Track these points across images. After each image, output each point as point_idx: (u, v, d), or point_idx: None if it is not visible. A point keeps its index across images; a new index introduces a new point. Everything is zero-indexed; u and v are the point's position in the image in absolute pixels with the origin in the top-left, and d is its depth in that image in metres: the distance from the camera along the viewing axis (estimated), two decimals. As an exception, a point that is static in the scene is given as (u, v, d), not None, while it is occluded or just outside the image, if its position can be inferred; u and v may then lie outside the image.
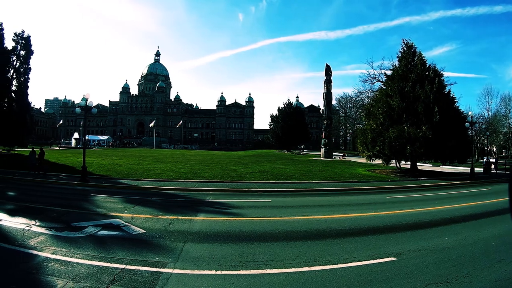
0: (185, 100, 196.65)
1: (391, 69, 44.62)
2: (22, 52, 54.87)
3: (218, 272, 8.50)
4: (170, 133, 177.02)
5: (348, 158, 69.37)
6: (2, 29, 52.24)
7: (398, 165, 40.13)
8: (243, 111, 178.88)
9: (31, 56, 56.16)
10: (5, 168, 34.44)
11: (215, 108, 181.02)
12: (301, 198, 23.43)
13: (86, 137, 42.12)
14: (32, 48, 56.23)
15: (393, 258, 9.47)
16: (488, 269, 8.76)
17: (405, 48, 40.96)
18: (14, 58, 54.10)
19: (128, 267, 8.76)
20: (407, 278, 8.03)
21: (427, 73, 37.94)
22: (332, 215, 16.66)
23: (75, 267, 8.71)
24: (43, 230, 12.43)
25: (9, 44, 53.11)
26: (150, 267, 8.80)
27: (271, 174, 35.46)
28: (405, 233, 12.83)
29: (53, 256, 9.47)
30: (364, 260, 9.33)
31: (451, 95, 38.19)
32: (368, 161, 42.77)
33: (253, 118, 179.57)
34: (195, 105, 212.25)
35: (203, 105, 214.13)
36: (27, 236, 11.52)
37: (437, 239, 11.69)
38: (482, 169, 43.12)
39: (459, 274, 8.28)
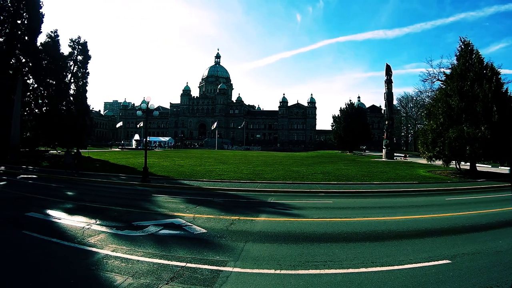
0: (246, 101, 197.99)
1: (449, 68, 43.45)
2: (80, 57, 56.80)
3: (277, 272, 8.65)
4: (232, 135, 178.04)
5: (409, 159, 67.47)
6: (58, 35, 54.25)
7: (457, 166, 38.92)
8: (305, 112, 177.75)
9: (89, 61, 57.98)
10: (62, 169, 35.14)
11: (277, 109, 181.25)
12: (361, 199, 23.27)
13: (147, 139, 43.19)
14: (90, 53, 58.15)
15: (447, 261, 9.47)
16: (540, 273, 8.58)
17: (463, 46, 39.67)
18: (71, 63, 56.16)
19: (188, 265, 8.96)
20: (459, 281, 8.06)
21: (484, 71, 36.67)
22: (392, 217, 16.67)
23: (135, 264, 9.00)
24: (103, 228, 12.82)
25: (65, 50, 55.27)
26: (210, 265, 9.00)
27: (333, 175, 35.34)
28: (461, 235, 12.71)
29: (113, 254, 9.80)
30: (420, 262, 9.39)
31: (509, 93, 36.59)
32: (429, 162, 41.67)
33: (315, 119, 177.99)
34: (256, 106, 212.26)
35: (265, 106, 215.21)
36: (87, 234, 11.88)
37: (491, 242, 11.55)
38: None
39: (510, 278, 8.26)
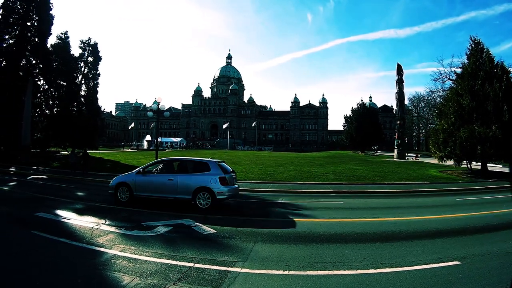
0: (258, 101, 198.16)
1: (460, 67, 43.31)
2: (90, 59, 57.37)
3: (286, 272, 8.57)
4: (244, 135, 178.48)
5: (421, 159, 67.10)
6: (68, 37, 54.82)
7: (469, 166, 38.57)
8: (317, 112, 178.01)
9: (99, 62, 58.54)
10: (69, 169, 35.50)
11: (288, 109, 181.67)
12: (373, 199, 23.22)
13: (159, 139, 43.11)
14: (100, 54, 58.68)
15: (457, 262, 9.32)
16: (552, 274, 8.43)
17: (473, 45, 39.40)
18: (82, 64, 56.71)
19: (196, 265, 8.81)
20: (468, 283, 7.94)
21: (495, 70, 36.37)
22: (402, 217, 16.58)
23: (143, 264, 8.92)
24: (112, 228, 12.78)
25: (75, 51, 55.74)
26: (219, 266, 8.87)
27: (344, 175, 35.25)
28: (472, 236, 12.56)
29: (121, 254, 9.72)
30: (429, 263, 9.25)
31: (520, 92, 36.26)
32: (440, 162, 41.36)
33: (327, 119, 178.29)
34: (268, 107, 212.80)
35: (277, 107, 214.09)
36: (96, 234, 11.81)
37: (502, 243, 11.40)
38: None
39: (521, 280, 8.12)
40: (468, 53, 40.07)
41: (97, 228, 12.66)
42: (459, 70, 42.90)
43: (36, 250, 10.04)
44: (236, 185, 19.29)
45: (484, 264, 9.31)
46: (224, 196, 17.70)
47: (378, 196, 24.84)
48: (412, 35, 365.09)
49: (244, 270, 8.71)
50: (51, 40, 53.13)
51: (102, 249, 10.14)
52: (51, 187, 25.88)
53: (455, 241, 11.89)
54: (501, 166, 48.15)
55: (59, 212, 15.78)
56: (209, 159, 20.22)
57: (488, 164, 39.49)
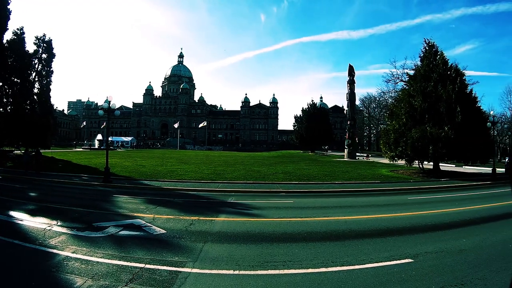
0: (209, 101, 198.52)
1: (413, 69, 44.28)
2: (44, 56, 55.16)
3: (236, 272, 8.60)
4: (194, 134, 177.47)
5: (371, 159, 68.84)
6: (23, 33, 52.81)
7: (421, 166, 39.64)
8: (267, 112, 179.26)
9: (53, 59, 56.48)
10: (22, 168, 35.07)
11: (239, 109, 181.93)
12: (323, 199, 23.37)
13: (110, 139, 42.37)
14: (54, 51, 56.95)
15: (409, 260, 9.45)
16: (504, 272, 8.61)
17: (427, 48, 40.67)
18: (36, 61, 54.67)
19: (147, 266, 8.93)
20: (422, 280, 8.03)
21: (449, 72, 37.54)
22: (353, 216, 16.67)
23: (94, 265, 8.94)
24: (64, 230, 12.73)
25: (30, 47, 53.92)
26: (169, 266, 8.96)
27: (294, 175, 35.43)
28: (424, 234, 12.73)
29: (73, 255, 9.73)
30: (381, 262, 9.34)
31: (473, 94, 37.65)
32: (391, 162, 42.21)
33: (278, 119, 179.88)
34: (219, 106, 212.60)
35: (227, 107, 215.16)
36: (48, 235, 11.80)
37: (455, 241, 11.60)
38: (504, 169, 42.50)
39: (474, 277, 8.24)
40: (422, 55, 41.32)
41: (49, 230, 12.66)
42: (412, 72, 43.95)
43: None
44: None
45: (438, 262, 9.42)
46: None
47: (329, 196, 25.00)
48: (365, 37, 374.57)
49: (194, 270, 8.78)
50: (7, 36, 50.89)
51: (54, 251, 10.24)
52: (4, 188, 25.73)
53: (406, 239, 12.02)
54: (454, 165, 49.92)
55: (12, 213, 15.82)
56: None
57: (440, 164, 40.81)
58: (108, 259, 9.45)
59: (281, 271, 8.67)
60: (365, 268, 8.90)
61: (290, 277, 8.36)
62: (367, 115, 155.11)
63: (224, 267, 8.97)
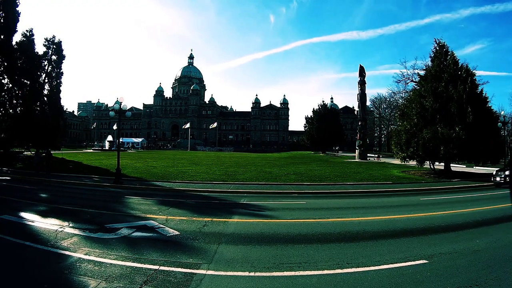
0: (219, 102, 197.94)
1: (424, 69, 44.31)
2: (54, 57, 55.42)
3: (251, 274, 8.58)
4: (204, 136, 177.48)
5: (382, 160, 68.61)
6: (33, 34, 53.03)
7: (432, 166, 39.42)
8: (278, 113, 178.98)
9: (63, 61, 56.62)
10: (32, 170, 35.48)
11: (249, 110, 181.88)
12: (335, 200, 23.38)
13: (120, 140, 42.40)
14: (64, 53, 56.89)
15: (424, 261, 9.45)
16: (518, 272, 8.60)
17: (437, 48, 40.54)
18: (46, 63, 54.88)
19: (162, 268, 8.89)
20: (437, 281, 8.03)
21: (459, 72, 37.35)
22: (366, 217, 16.66)
23: (108, 267, 8.91)
24: (76, 231, 12.69)
25: (40, 49, 54.22)
26: (184, 268, 8.91)
27: (306, 176, 35.37)
28: (437, 235, 12.70)
29: (86, 257, 9.70)
30: (396, 263, 9.35)
31: (484, 94, 37.44)
32: (402, 162, 42.22)
33: (288, 120, 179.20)
34: (229, 107, 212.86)
35: (238, 107, 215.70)
36: (60, 237, 11.78)
37: (468, 242, 11.60)
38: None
39: (489, 277, 8.24)
40: (432, 55, 41.13)
41: (61, 231, 12.59)
42: (422, 72, 43.75)
43: (0, 254, 10.04)
44: None
45: (452, 263, 9.43)
46: None
47: (341, 197, 24.98)
48: (375, 37, 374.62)
49: (209, 272, 8.71)
50: (16, 38, 51.24)
51: (67, 253, 10.17)
52: (15, 189, 25.59)
53: (420, 240, 11.99)
54: (465, 166, 49.55)
55: (23, 214, 15.65)
56: None
57: (451, 164, 40.58)
58: (122, 261, 9.43)
59: (297, 273, 8.64)
60: (380, 269, 8.89)
61: (306, 278, 8.33)
62: (377, 115, 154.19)
63: (239, 269, 8.93)
